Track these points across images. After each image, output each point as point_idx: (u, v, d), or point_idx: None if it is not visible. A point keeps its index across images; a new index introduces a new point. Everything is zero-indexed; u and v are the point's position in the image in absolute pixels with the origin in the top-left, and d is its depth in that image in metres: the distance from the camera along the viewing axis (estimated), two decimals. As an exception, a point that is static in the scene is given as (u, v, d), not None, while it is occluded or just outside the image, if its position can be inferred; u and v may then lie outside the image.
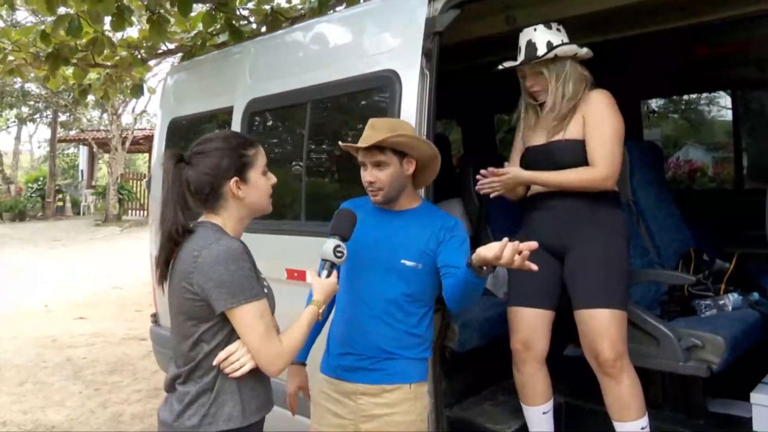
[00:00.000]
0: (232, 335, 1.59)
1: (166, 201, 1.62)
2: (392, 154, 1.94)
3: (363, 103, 2.79)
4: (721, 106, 5.04)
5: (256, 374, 1.62)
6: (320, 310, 1.71)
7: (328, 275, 1.77)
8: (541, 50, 2.34)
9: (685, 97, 4.54)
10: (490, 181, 2.39)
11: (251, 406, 1.63)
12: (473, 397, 2.80)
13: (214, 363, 1.58)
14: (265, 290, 1.65)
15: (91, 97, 16.81)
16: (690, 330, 2.40)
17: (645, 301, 2.69)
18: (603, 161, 2.29)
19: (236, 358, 1.58)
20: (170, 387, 1.66)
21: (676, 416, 2.50)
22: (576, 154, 2.34)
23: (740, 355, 2.43)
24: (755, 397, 2.33)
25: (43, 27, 5.03)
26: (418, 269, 1.94)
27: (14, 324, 7.54)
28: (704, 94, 4.36)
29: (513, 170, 2.40)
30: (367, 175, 1.95)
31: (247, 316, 1.54)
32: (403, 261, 1.94)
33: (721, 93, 4.28)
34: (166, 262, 1.65)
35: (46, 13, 4.69)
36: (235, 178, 1.63)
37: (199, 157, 1.64)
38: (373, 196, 1.97)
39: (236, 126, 3.28)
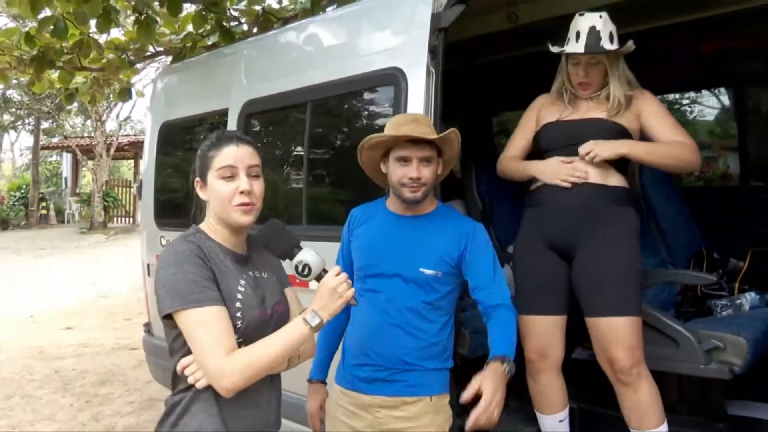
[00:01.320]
0: None
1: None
2: (435, 152, 1.87)
3: (367, 101, 2.71)
4: (722, 104, 5.01)
5: (248, 389, 1.46)
6: (304, 317, 1.46)
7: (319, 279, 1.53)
8: (606, 41, 2.20)
9: (687, 94, 4.50)
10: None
11: (233, 421, 1.48)
12: (484, 405, 2.71)
13: (178, 372, 1.48)
14: (239, 298, 1.48)
15: (74, 104, 16.66)
16: (710, 331, 2.33)
17: (658, 301, 2.62)
18: (686, 138, 2.26)
19: (190, 371, 1.45)
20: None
21: (694, 420, 2.44)
22: (612, 131, 2.25)
23: (761, 356, 2.36)
24: (777, 399, 2.29)
25: (27, 29, 4.89)
26: (438, 277, 1.86)
27: (0, 335, 7.36)
28: (704, 92, 4.32)
29: (600, 143, 2.21)
30: (413, 170, 1.83)
31: (184, 323, 1.41)
32: (422, 270, 1.85)
33: (722, 90, 4.24)
34: None
35: (29, 16, 4.56)
36: (197, 178, 1.56)
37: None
38: (412, 192, 1.84)
39: (232, 128, 3.18)
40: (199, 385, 1.44)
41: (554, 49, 2.32)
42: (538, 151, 2.42)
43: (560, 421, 2.36)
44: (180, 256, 1.44)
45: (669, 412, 2.23)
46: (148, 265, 3.99)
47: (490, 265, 1.87)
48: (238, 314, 1.47)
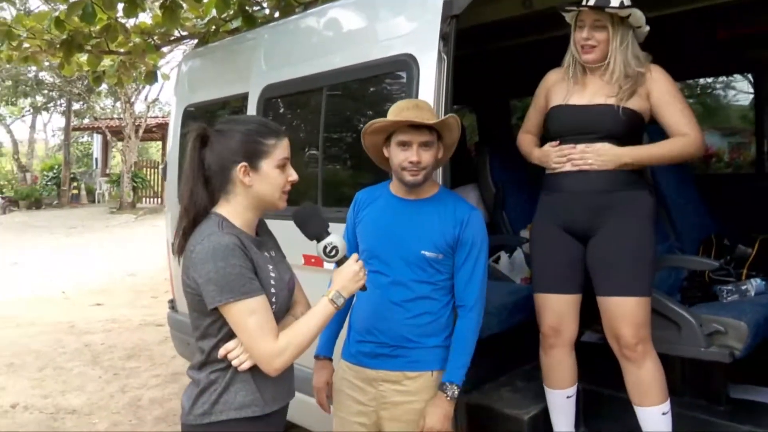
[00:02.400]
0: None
1: (186, 177, 1.60)
2: (435, 136, 1.94)
3: (380, 87, 2.77)
4: (738, 90, 4.96)
5: None
6: (329, 297, 1.63)
7: (340, 264, 1.69)
8: (615, 2, 2.20)
9: (701, 81, 4.47)
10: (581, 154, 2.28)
11: (268, 395, 1.62)
12: (491, 383, 2.79)
13: (219, 357, 1.59)
14: (272, 284, 1.61)
15: (104, 86, 16.92)
16: (712, 316, 2.37)
17: (665, 286, 2.65)
18: (691, 127, 2.25)
19: (234, 355, 1.57)
20: (188, 373, 1.68)
21: (696, 402, 2.48)
22: (621, 122, 2.25)
23: (763, 340, 2.40)
24: (778, 383, 2.33)
25: (57, 13, 5.03)
26: (440, 259, 1.94)
27: (32, 310, 7.66)
28: (720, 79, 4.29)
29: (605, 149, 2.26)
30: (413, 154, 1.90)
31: (236, 314, 1.52)
32: (423, 252, 1.93)
33: (737, 77, 4.21)
34: (184, 233, 1.62)
35: (60, 0, 4.69)
36: (243, 164, 1.58)
37: (218, 136, 1.61)
38: (412, 176, 1.92)
39: (252, 112, 3.27)
40: (243, 367, 1.56)
41: (563, 8, 2.35)
42: (547, 134, 2.46)
43: (567, 397, 2.43)
44: (226, 250, 1.51)
45: (672, 394, 2.28)
46: (173, 244, 4.12)
47: (473, 259, 1.94)
48: (273, 299, 1.60)
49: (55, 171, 20.46)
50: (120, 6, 4.63)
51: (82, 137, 25.47)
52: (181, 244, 1.62)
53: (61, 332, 6.54)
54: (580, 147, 2.27)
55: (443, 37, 2.37)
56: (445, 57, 2.38)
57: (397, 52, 2.53)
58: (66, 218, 17.28)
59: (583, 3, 2.25)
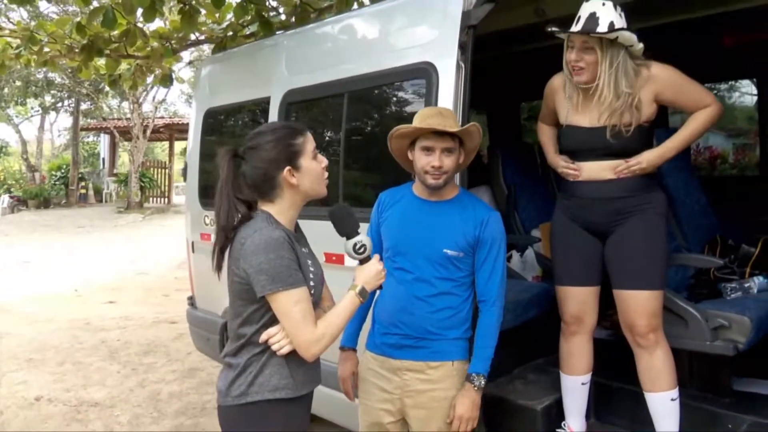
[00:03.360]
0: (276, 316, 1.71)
1: (220, 194, 1.72)
2: (457, 143, 2.07)
3: (400, 93, 2.89)
4: (743, 92, 5.05)
5: None
6: (356, 292, 1.76)
7: (363, 262, 1.82)
8: (603, 26, 2.24)
9: (707, 84, 4.57)
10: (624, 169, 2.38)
11: (299, 378, 1.76)
12: (505, 376, 2.91)
13: (260, 341, 1.71)
14: (311, 278, 1.75)
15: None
16: (717, 311, 2.49)
17: (673, 284, 2.77)
18: (708, 97, 2.36)
19: (276, 340, 1.70)
20: (223, 359, 1.81)
21: (702, 394, 2.60)
22: (626, 139, 2.33)
23: (765, 335, 2.52)
24: (780, 376, 2.45)
25: (78, 19, 5.17)
26: (460, 257, 2.07)
27: (48, 307, 7.80)
28: (732, 83, 4.40)
29: (645, 158, 2.36)
30: (435, 160, 2.03)
31: (283, 303, 1.64)
32: (445, 250, 2.06)
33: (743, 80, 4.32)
34: (221, 251, 1.75)
35: (81, 5, 4.83)
36: (287, 168, 1.72)
37: (252, 152, 1.73)
38: (434, 179, 2.05)
39: (273, 115, 3.40)
40: (282, 352, 1.70)
41: (549, 29, 2.39)
42: (562, 149, 2.59)
43: (582, 384, 2.57)
44: (276, 243, 1.64)
45: (680, 386, 2.40)
46: (192, 242, 4.25)
47: (493, 258, 2.08)
48: (312, 291, 1.74)
49: (63, 171, 20.60)
50: (139, 11, 4.78)
51: (88, 137, 25.64)
52: (219, 262, 1.75)
53: (77, 329, 6.68)
54: (623, 165, 2.36)
55: (461, 46, 2.49)
56: (463, 65, 2.50)
57: (417, 60, 2.66)
58: (74, 217, 17.45)
59: (572, 28, 2.32)
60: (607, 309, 2.71)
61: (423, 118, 2.06)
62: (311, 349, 1.68)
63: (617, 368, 2.73)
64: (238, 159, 1.75)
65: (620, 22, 2.27)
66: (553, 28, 2.37)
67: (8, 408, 4.35)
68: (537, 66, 2.74)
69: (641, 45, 2.32)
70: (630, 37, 2.27)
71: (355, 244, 1.79)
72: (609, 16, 2.25)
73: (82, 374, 5.12)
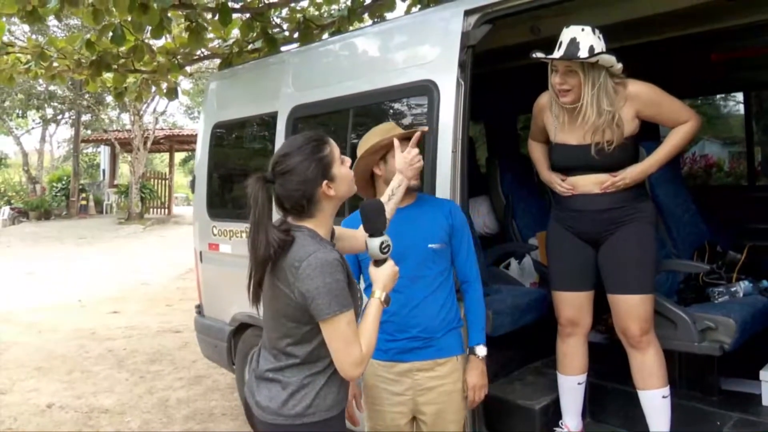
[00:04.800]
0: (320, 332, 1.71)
1: (257, 225, 1.66)
2: None
3: (403, 109, 3.04)
4: (738, 101, 5.21)
5: None
6: (382, 299, 1.77)
7: (378, 264, 1.82)
8: (584, 51, 2.35)
9: (699, 97, 4.74)
10: (609, 185, 2.52)
11: (342, 395, 1.81)
12: (504, 378, 3.05)
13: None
14: (359, 295, 1.79)
15: (110, 98, 17.12)
16: (704, 314, 2.64)
17: (663, 289, 2.92)
18: (686, 113, 2.50)
19: None
20: (264, 375, 1.80)
21: (691, 393, 2.73)
22: (612, 155, 2.48)
23: (750, 337, 2.66)
24: (764, 375, 2.61)
25: (88, 36, 5.32)
26: (443, 249, 2.24)
27: (53, 317, 7.91)
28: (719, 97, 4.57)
29: (629, 173, 2.50)
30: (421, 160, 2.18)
31: (337, 324, 1.64)
32: (430, 245, 2.21)
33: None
34: (259, 283, 1.73)
35: (92, 23, 4.98)
36: (324, 182, 1.71)
37: (285, 176, 1.71)
38: (416, 180, 2.18)
39: (281, 130, 3.54)
40: None
41: (534, 55, 2.49)
42: (553, 166, 2.73)
43: (578, 384, 2.71)
44: (332, 267, 1.65)
45: (672, 385, 2.54)
46: (200, 252, 4.38)
47: (466, 240, 2.29)
48: (363, 308, 1.80)
49: (63, 182, 20.72)
50: (147, 29, 4.94)
51: (88, 148, 25.78)
52: (257, 294, 1.75)
53: (84, 338, 6.79)
54: (610, 181, 2.52)
55: (461, 64, 2.65)
56: (463, 83, 2.65)
57: (420, 78, 2.81)
58: (75, 228, 17.54)
59: (554, 53, 2.43)
60: (603, 313, 2.86)
61: (386, 131, 2.23)
62: (359, 367, 1.69)
63: (612, 370, 2.87)
64: (269, 184, 1.72)
65: (599, 45, 2.40)
66: (538, 54, 2.47)
67: (21, 414, 4.46)
68: (532, 80, 2.89)
69: (620, 65, 2.43)
70: (609, 59, 2.39)
71: (382, 243, 1.78)
72: (588, 41, 2.38)
73: (91, 382, 5.24)
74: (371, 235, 1.80)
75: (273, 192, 1.73)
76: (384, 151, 2.24)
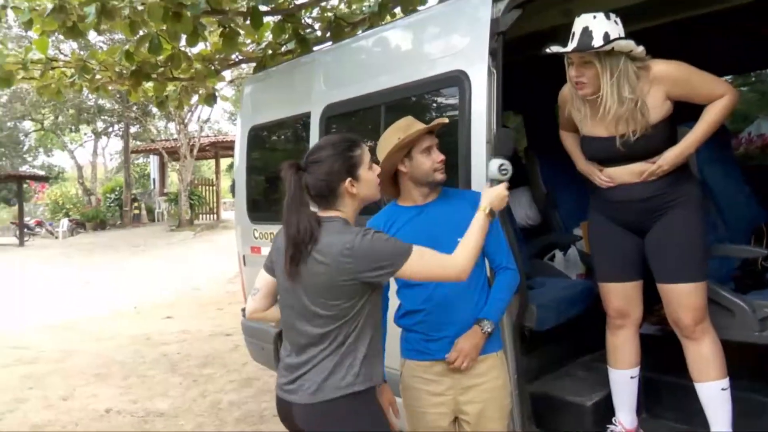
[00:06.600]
0: (367, 301, 1.83)
1: (289, 206, 1.81)
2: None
3: (435, 101, 2.98)
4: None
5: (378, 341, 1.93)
6: (486, 211, 1.94)
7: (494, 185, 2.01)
8: (598, 40, 2.23)
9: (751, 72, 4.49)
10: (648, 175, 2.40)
11: (378, 369, 1.92)
12: (552, 374, 2.95)
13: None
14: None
15: (156, 109, 17.58)
16: (764, 301, 2.48)
17: (718, 275, 2.75)
18: (720, 87, 2.32)
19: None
20: (294, 370, 1.87)
21: (753, 385, 2.58)
22: (649, 143, 2.35)
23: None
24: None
25: (127, 47, 5.44)
26: None
27: (110, 324, 8.17)
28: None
29: (665, 159, 2.35)
30: (438, 155, 2.17)
31: (415, 266, 1.79)
32: (459, 239, 2.12)
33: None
34: (292, 259, 1.82)
35: (129, 35, 5.08)
36: (348, 179, 1.86)
37: (315, 165, 1.85)
38: (442, 174, 2.18)
39: (314, 130, 3.53)
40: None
41: (548, 50, 2.40)
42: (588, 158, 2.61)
43: (631, 378, 2.60)
44: (374, 234, 1.79)
45: (731, 378, 2.40)
46: (243, 256, 4.42)
47: (494, 229, 2.17)
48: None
49: (116, 193, 21.42)
50: (183, 36, 5.01)
51: (138, 159, 26.55)
52: (292, 269, 1.83)
53: (139, 344, 6.98)
54: (648, 171, 2.38)
55: (492, 53, 2.56)
56: (495, 71, 2.57)
57: (450, 69, 2.74)
58: (129, 237, 18.13)
59: (568, 46, 2.32)
60: (654, 304, 2.72)
61: (406, 127, 2.16)
62: (466, 271, 1.85)
63: (667, 363, 2.73)
64: (301, 172, 1.86)
65: (615, 30, 2.27)
66: (552, 48, 2.38)
67: (81, 420, 4.60)
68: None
69: (641, 48, 2.29)
70: (627, 45, 2.26)
71: (501, 164, 2.08)
72: (602, 28, 2.26)
73: (146, 386, 5.37)
74: (495, 156, 2.03)
75: (304, 179, 1.85)
76: (408, 148, 2.19)
